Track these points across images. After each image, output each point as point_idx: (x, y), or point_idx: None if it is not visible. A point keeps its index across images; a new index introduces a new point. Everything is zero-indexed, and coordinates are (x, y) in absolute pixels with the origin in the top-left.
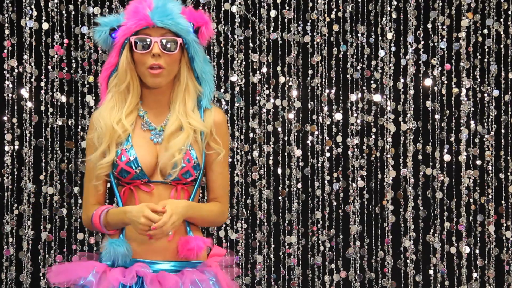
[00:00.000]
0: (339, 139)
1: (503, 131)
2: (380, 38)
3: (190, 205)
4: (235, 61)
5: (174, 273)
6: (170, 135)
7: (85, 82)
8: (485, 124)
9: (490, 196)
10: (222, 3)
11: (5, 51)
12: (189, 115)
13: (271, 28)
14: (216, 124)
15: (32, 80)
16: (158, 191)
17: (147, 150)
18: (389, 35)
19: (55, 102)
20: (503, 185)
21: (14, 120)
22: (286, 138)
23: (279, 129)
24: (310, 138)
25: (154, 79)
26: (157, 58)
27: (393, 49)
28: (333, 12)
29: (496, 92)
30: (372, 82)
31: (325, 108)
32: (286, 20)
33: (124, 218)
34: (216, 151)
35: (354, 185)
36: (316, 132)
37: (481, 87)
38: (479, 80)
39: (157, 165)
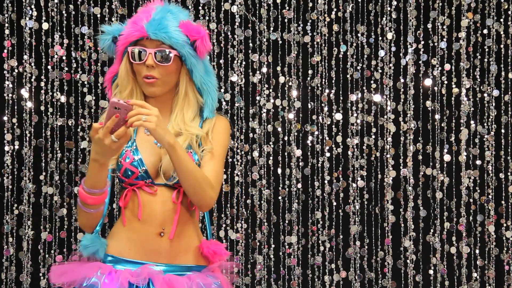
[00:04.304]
0: (339, 139)
1: (503, 131)
2: (380, 38)
3: (173, 141)
4: (235, 61)
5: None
6: None
7: (85, 82)
8: (485, 124)
9: (490, 196)
10: (222, 3)
11: (5, 51)
12: (187, 124)
13: (271, 28)
14: (215, 126)
15: (32, 80)
16: (161, 193)
17: (152, 152)
18: (389, 35)
19: (55, 102)
20: (503, 185)
21: (14, 120)
22: (286, 138)
23: (279, 129)
24: (310, 138)
25: (149, 88)
26: (151, 69)
27: (393, 49)
28: (333, 12)
29: (496, 92)
30: (372, 82)
31: (325, 108)
32: (286, 20)
33: (93, 161)
34: (206, 149)
35: (354, 185)
36: (316, 132)
37: (481, 87)
38: (479, 80)
39: (160, 168)
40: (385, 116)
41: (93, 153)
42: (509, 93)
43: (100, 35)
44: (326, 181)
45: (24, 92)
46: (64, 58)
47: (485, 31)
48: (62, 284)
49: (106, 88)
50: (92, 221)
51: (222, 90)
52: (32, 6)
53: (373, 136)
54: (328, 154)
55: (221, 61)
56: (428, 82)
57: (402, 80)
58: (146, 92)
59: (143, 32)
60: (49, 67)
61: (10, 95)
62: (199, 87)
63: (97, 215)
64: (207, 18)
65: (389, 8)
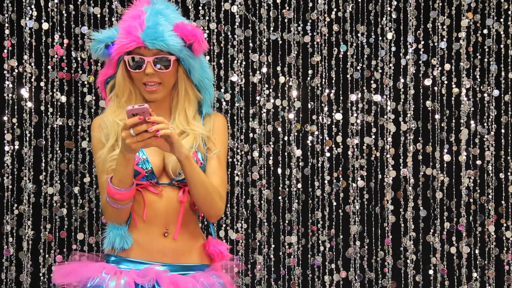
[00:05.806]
0: (339, 139)
1: (503, 131)
2: (380, 38)
3: (188, 153)
4: (235, 61)
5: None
6: None
7: (85, 82)
8: (485, 124)
9: (490, 196)
10: (222, 3)
11: (5, 51)
12: (191, 123)
13: (271, 28)
14: (215, 125)
15: (32, 80)
16: (166, 193)
17: (156, 152)
18: (389, 35)
19: (55, 102)
20: (503, 185)
21: (14, 120)
22: (286, 138)
23: (279, 129)
24: (310, 138)
25: (151, 95)
26: (151, 76)
27: (393, 49)
28: (333, 12)
29: (496, 92)
30: (372, 82)
31: (325, 108)
32: (286, 20)
33: (120, 152)
34: (212, 152)
35: (354, 185)
36: (316, 132)
37: (481, 87)
38: (479, 80)
39: (164, 167)
40: (385, 116)
41: (121, 144)
42: (509, 93)
43: (92, 42)
44: (326, 181)
45: (24, 92)
46: (64, 58)
47: (485, 31)
48: (66, 284)
49: (99, 89)
50: (121, 218)
51: (222, 90)
52: (32, 6)
53: (373, 136)
54: (328, 154)
55: (221, 61)
56: (428, 82)
57: (402, 80)
58: (148, 99)
59: (140, 42)
60: (49, 67)
61: (10, 95)
62: (196, 84)
63: (126, 210)
64: (207, 18)
65: (389, 8)
